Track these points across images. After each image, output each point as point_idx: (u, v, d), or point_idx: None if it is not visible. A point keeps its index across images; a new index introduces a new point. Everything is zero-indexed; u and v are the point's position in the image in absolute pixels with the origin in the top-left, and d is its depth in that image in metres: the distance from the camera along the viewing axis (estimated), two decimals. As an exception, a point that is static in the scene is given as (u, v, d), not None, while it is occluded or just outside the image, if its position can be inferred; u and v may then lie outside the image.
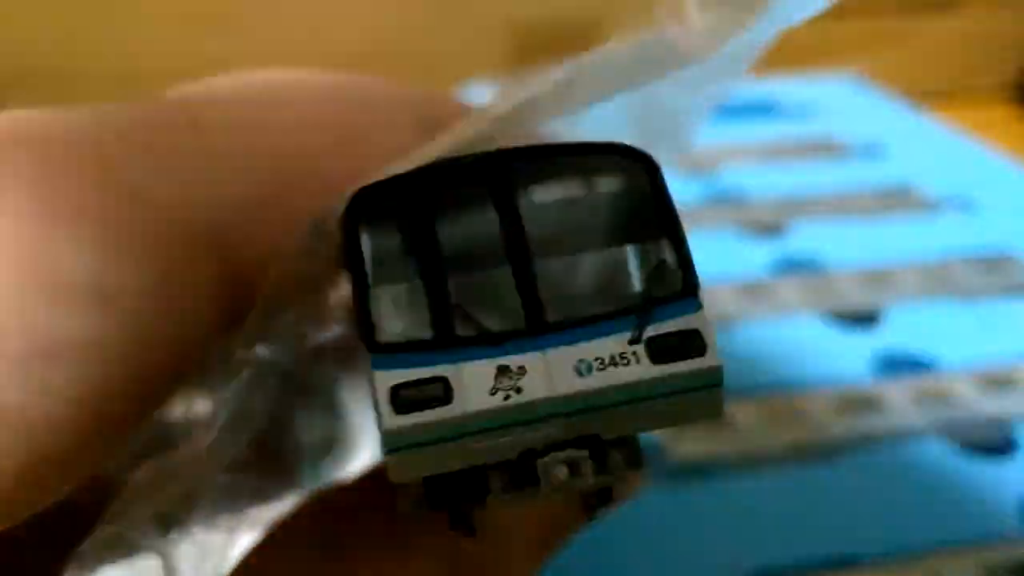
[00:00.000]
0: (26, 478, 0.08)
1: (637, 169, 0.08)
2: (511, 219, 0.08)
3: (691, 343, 0.08)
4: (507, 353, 0.08)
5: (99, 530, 0.09)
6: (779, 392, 0.23)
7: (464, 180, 0.08)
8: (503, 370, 0.08)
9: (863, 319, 0.26)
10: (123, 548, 0.10)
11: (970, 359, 0.24)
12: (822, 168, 0.35)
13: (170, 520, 0.10)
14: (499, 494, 0.08)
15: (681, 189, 0.34)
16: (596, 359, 0.08)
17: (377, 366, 0.08)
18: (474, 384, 0.08)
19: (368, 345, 0.08)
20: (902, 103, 0.42)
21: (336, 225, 0.08)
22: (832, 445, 0.21)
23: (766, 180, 0.34)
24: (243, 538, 0.10)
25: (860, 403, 0.22)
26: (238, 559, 0.10)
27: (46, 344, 0.08)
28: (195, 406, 0.10)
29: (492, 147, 0.08)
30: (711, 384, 0.08)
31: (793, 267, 0.28)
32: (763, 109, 0.41)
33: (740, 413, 0.22)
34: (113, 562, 0.10)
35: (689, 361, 0.08)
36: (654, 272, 0.08)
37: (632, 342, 0.08)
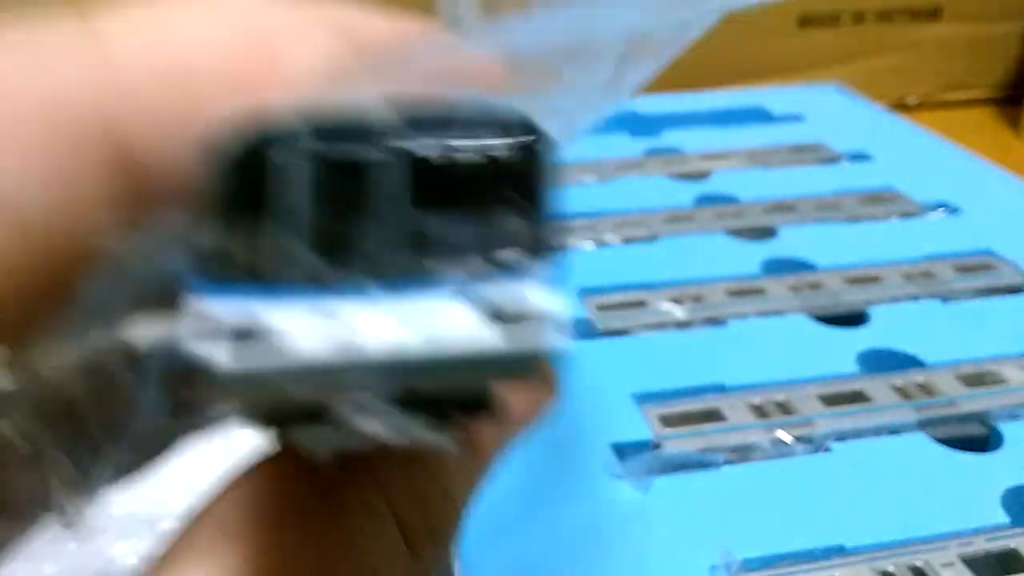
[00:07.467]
0: None
1: (526, 140, 0.08)
2: (388, 171, 0.08)
3: (528, 310, 0.08)
4: (342, 300, 0.08)
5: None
6: (769, 388, 0.23)
7: (354, 128, 0.08)
8: (334, 316, 0.08)
9: (850, 318, 0.26)
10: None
11: (953, 357, 0.24)
12: (810, 173, 0.36)
13: None
14: (305, 440, 0.08)
15: (676, 193, 0.34)
16: (431, 316, 0.08)
17: (197, 292, 0.08)
18: (301, 327, 0.08)
19: (197, 271, 0.08)
20: (885, 111, 0.42)
21: (216, 148, 0.08)
22: (819, 439, 0.21)
23: (757, 184, 0.35)
24: None
25: (847, 399, 0.22)
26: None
27: None
28: None
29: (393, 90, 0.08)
30: (537, 351, 0.08)
31: (783, 268, 0.29)
32: (753, 117, 0.42)
33: (731, 408, 0.22)
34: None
35: (520, 327, 0.08)
36: (510, 239, 0.08)
37: (471, 304, 0.08)
